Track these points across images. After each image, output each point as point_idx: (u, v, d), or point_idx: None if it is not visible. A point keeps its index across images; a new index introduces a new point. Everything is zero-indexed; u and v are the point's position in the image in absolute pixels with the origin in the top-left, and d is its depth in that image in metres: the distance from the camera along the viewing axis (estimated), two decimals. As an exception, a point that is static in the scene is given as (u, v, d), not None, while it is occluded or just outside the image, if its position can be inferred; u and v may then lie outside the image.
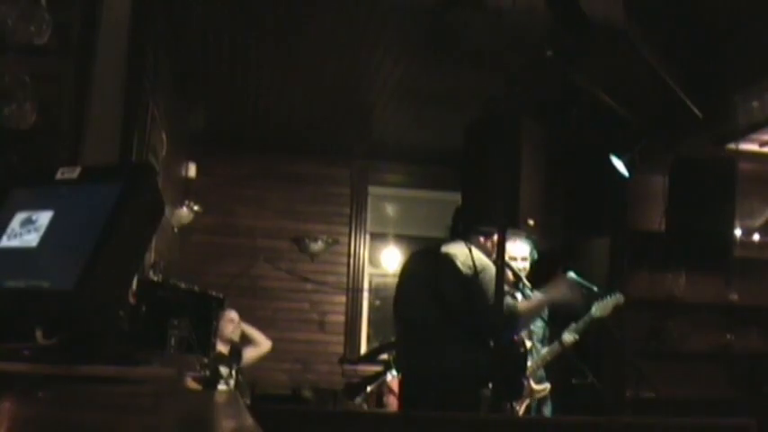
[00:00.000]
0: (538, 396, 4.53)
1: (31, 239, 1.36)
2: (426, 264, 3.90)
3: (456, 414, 3.14)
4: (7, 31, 2.55)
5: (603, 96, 4.74)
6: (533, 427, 3.28)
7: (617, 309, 4.70)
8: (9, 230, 1.39)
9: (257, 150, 7.02)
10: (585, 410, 4.67)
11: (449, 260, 3.70)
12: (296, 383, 6.59)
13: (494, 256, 3.65)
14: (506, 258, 4.36)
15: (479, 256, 3.68)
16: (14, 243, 1.37)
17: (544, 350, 4.58)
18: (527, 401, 4.48)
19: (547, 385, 4.57)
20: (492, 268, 3.61)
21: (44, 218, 1.37)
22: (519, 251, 4.45)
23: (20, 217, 1.40)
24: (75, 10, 2.89)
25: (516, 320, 3.71)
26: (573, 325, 4.59)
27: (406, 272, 4.08)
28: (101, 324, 1.33)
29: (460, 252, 3.70)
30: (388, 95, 5.65)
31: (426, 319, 3.74)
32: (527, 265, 4.48)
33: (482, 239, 3.81)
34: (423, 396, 3.66)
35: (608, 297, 4.69)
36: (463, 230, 3.78)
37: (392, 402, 4.78)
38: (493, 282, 3.53)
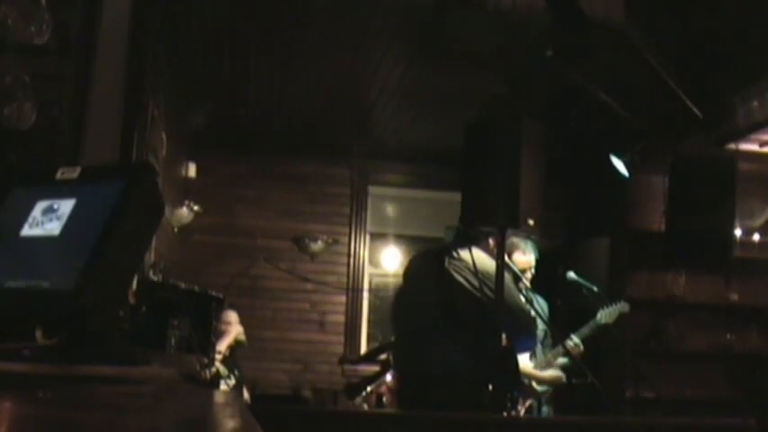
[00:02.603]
0: (539, 396, 4.53)
1: (54, 228, 1.36)
2: (433, 266, 3.84)
3: (456, 414, 3.14)
4: (7, 31, 2.55)
5: (603, 96, 4.74)
6: (533, 427, 3.28)
7: (622, 317, 4.71)
8: (31, 219, 1.39)
9: (257, 150, 7.02)
10: (585, 410, 4.67)
11: (460, 264, 3.68)
12: (296, 383, 6.59)
13: (506, 258, 3.67)
14: (519, 270, 4.41)
15: (489, 260, 3.65)
16: (37, 232, 1.37)
17: (548, 353, 4.58)
18: (528, 403, 4.48)
19: (548, 387, 4.57)
20: (507, 278, 3.59)
21: (66, 206, 1.37)
22: (529, 262, 4.47)
23: (41, 205, 1.40)
24: (75, 10, 2.89)
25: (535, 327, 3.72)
26: (577, 331, 4.59)
27: (411, 274, 4.05)
28: (101, 324, 1.33)
29: (469, 256, 3.67)
30: (388, 95, 5.65)
31: (431, 321, 3.71)
32: (531, 273, 4.50)
33: (491, 242, 3.78)
34: (423, 398, 3.65)
35: (614, 305, 4.69)
36: (471, 233, 3.76)
37: (392, 402, 4.79)
38: (510, 285, 3.54)
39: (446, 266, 3.69)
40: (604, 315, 4.64)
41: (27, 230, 1.39)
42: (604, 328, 4.68)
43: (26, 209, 1.41)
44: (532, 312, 3.72)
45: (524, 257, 4.43)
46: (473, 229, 3.77)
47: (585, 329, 4.60)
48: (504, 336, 3.59)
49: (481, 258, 3.64)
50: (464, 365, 3.58)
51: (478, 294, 3.56)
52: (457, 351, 3.60)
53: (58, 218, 1.36)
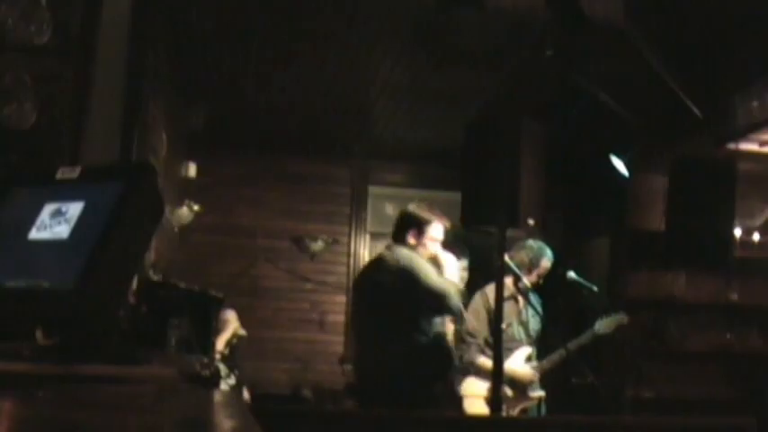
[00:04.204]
0: (531, 404, 4.53)
1: (62, 231, 1.35)
2: (369, 272, 4.16)
3: (456, 414, 3.15)
4: (7, 31, 2.55)
5: (603, 96, 4.74)
6: (533, 427, 3.28)
7: (620, 328, 4.71)
8: (39, 222, 1.39)
9: (257, 150, 7.02)
10: (585, 410, 4.67)
11: (384, 265, 3.90)
12: (296, 383, 6.59)
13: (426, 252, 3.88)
14: (541, 274, 4.58)
15: (408, 254, 3.86)
16: (45, 235, 1.37)
17: (544, 360, 4.58)
18: (521, 406, 4.49)
19: (540, 393, 4.57)
20: (422, 264, 3.82)
21: (74, 209, 1.37)
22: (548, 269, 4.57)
23: (49, 208, 1.40)
24: (76, 10, 2.89)
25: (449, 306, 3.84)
26: (574, 339, 4.59)
27: (358, 279, 4.37)
28: (101, 324, 1.33)
29: (391, 253, 3.91)
30: (388, 95, 5.65)
31: (370, 323, 3.97)
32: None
33: (411, 239, 3.94)
34: (372, 393, 3.87)
35: (612, 316, 4.69)
36: (396, 234, 4.00)
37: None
38: (428, 273, 3.75)
39: (375, 270, 3.97)
40: (602, 326, 4.64)
41: (35, 234, 1.38)
42: (602, 337, 4.68)
43: (33, 211, 1.40)
44: (453, 291, 3.79)
45: (548, 264, 4.62)
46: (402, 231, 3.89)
47: (583, 338, 4.60)
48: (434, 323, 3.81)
49: (400, 254, 3.85)
50: (400, 360, 3.78)
51: (398, 290, 3.77)
52: (390, 348, 3.82)
53: (66, 221, 1.36)
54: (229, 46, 5.05)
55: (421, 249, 3.89)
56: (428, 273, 3.76)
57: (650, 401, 5.44)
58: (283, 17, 4.56)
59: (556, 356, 4.54)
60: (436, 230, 3.95)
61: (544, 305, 4.72)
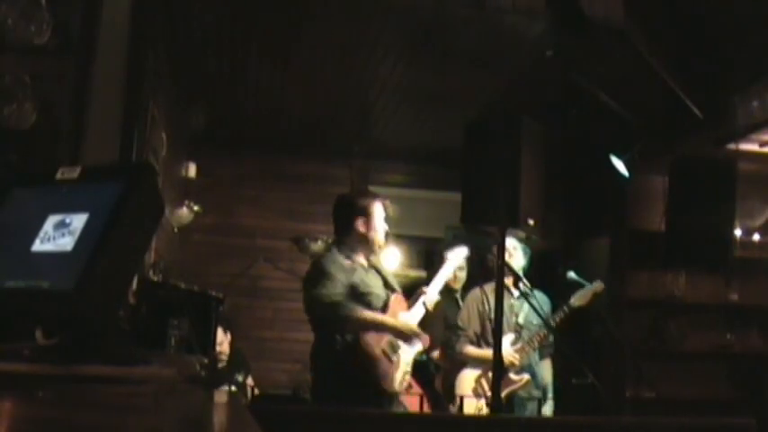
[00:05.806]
0: (515, 387, 4.54)
1: (66, 243, 1.34)
2: None
3: (456, 414, 3.15)
4: (7, 31, 2.56)
5: (603, 96, 4.74)
6: (534, 427, 3.29)
7: (596, 297, 4.72)
8: (42, 234, 1.38)
9: (257, 150, 7.01)
10: (585, 410, 4.67)
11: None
12: (296, 383, 6.59)
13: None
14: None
15: (321, 258, 4.01)
16: (48, 247, 1.36)
17: (524, 341, 4.61)
18: (505, 391, 4.48)
19: (524, 376, 4.57)
20: (319, 263, 3.91)
21: (78, 221, 1.36)
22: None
23: (53, 220, 1.39)
24: (76, 10, 2.89)
25: (339, 317, 3.72)
26: (552, 315, 4.64)
27: None
28: (101, 324, 1.33)
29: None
30: (388, 95, 5.64)
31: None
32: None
33: (361, 228, 4.02)
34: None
35: (587, 287, 4.71)
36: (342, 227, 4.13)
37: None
38: (318, 273, 3.82)
39: None
40: (578, 298, 4.68)
41: (38, 246, 1.37)
42: (580, 309, 4.69)
43: (36, 220, 1.39)
44: (332, 298, 3.71)
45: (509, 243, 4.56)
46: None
47: (560, 313, 4.64)
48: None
49: (318, 258, 4.07)
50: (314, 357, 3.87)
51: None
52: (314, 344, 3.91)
53: (70, 233, 1.35)
54: (229, 46, 5.04)
55: (372, 234, 3.94)
56: (313, 281, 3.79)
57: (650, 401, 5.44)
58: (283, 17, 4.56)
59: (534, 336, 4.58)
60: (379, 212, 3.98)
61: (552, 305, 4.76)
